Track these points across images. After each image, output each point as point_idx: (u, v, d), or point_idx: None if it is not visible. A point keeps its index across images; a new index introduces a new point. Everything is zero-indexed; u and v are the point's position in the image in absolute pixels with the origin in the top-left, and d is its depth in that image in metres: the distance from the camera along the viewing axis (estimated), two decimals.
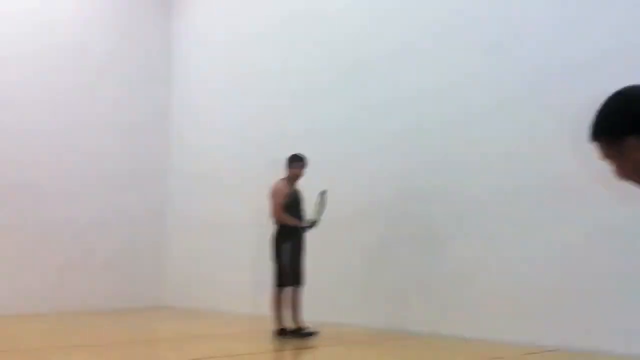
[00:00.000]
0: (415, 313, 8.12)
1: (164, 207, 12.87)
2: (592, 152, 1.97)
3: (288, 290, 7.77)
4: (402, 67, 8.67)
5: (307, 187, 8.08)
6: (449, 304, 7.76)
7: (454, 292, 7.70)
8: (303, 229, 7.82)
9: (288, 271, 7.72)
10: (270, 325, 7.76)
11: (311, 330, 7.69)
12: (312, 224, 7.84)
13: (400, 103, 8.62)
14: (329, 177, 9.22)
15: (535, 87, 7.32)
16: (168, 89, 12.92)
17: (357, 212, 8.98)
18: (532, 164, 7.22)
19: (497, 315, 7.25)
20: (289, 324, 7.69)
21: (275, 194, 7.86)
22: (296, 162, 7.97)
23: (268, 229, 7.99)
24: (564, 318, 6.68)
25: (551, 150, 7.06)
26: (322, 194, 7.87)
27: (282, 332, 7.63)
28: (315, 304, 9.27)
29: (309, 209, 7.93)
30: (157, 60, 12.97)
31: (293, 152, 8.05)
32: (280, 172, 7.97)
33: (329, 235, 9.23)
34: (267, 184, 8.14)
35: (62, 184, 11.67)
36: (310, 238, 8.31)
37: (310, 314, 9.07)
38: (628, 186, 1.92)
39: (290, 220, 7.76)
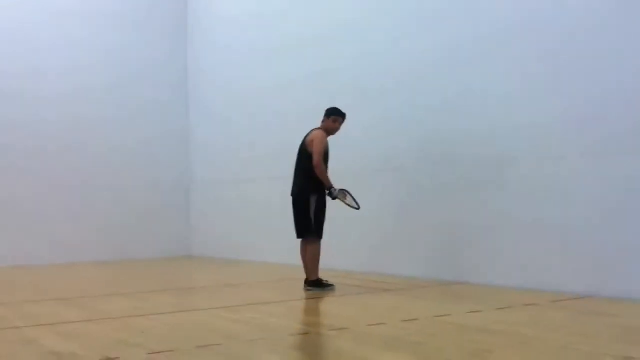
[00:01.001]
0: (448, 262, 8.19)
1: (189, 172, 13.16)
2: None
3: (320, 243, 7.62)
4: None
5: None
6: (481, 253, 7.83)
7: (486, 242, 7.75)
8: (330, 191, 7.55)
9: (322, 223, 7.59)
10: (299, 275, 7.89)
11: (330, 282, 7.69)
12: (333, 194, 7.53)
13: (434, 49, 8.56)
14: (364, 128, 9.26)
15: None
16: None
17: (390, 161, 9.02)
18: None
19: (528, 264, 7.30)
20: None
21: (318, 142, 7.51)
22: (338, 117, 7.74)
23: (283, 182, 7.99)
24: (595, 265, 6.72)
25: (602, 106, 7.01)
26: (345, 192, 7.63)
27: (320, 283, 7.58)
28: (347, 254, 9.45)
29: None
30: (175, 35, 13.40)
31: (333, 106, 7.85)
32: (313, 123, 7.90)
33: (362, 185, 9.32)
34: (284, 140, 8.11)
35: (105, 152, 12.47)
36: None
37: (344, 264, 9.25)
38: None
39: (325, 176, 7.49)
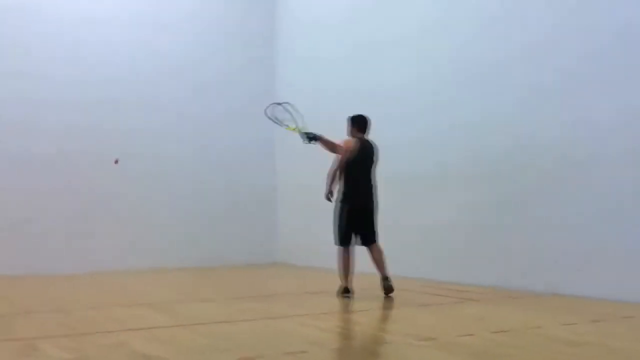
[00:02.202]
0: (537, 272, 7.96)
1: (275, 178, 13.29)
2: None
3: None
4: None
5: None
6: (567, 262, 7.58)
7: (579, 250, 7.50)
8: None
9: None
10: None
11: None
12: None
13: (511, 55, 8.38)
14: (444, 133, 9.16)
15: None
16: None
17: (471, 168, 8.87)
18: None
19: (626, 273, 7.01)
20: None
21: (345, 149, 7.82)
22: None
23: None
24: None
25: None
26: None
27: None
28: (424, 262, 9.33)
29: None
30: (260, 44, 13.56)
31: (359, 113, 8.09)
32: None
33: (436, 194, 9.20)
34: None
35: (191, 158, 12.74)
36: (414, 194, 8.38)
37: (421, 272, 9.14)
38: None
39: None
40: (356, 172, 7.79)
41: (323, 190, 11.59)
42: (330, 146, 7.88)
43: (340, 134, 8.49)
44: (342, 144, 7.84)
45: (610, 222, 7.19)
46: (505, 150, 8.42)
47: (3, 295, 8.65)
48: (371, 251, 7.80)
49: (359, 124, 8.00)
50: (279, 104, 8.30)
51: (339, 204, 7.85)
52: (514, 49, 8.38)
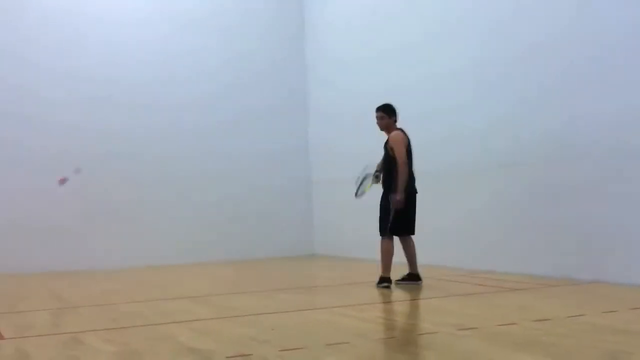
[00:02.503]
0: (576, 260, 7.91)
1: (311, 171, 13.36)
2: None
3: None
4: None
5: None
6: (608, 250, 7.52)
7: (618, 238, 7.44)
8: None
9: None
10: (422, 274, 7.86)
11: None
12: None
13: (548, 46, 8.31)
14: (484, 123, 9.14)
15: None
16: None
17: (512, 157, 8.83)
18: None
19: None
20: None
21: (400, 143, 7.76)
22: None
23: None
24: None
25: None
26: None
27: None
28: (466, 252, 9.32)
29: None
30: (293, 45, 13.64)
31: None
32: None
33: (487, 181, 9.17)
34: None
35: (228, 155, 12.88)
36: (451, 185, 8.37)
37: (462, 262, 9.13)
38: None
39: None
40: (410, 162, 7.84)
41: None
42: (401, 170, 7.70)
43: (368, 132, 8.54)
44: (398, 146, 7.74)
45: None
46: (542, 138, 8.36)
47: (48, 290, 8.83)
48: (409, 241, 7.89)
49: (395, 113, 7.99)
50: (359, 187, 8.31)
51: (388, 199, 7.80)
52: (532, 45, 8.31)
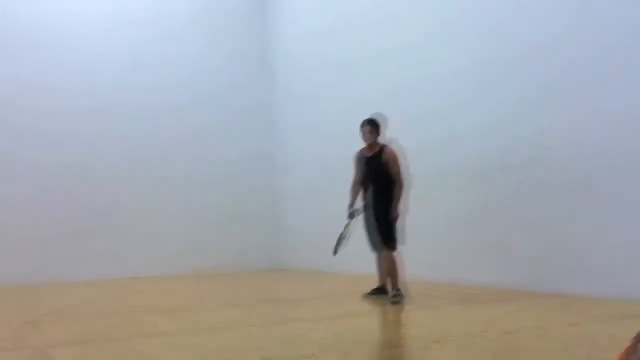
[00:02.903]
0: (539, 272, 7.99)
1: (280, 181, 13.34)
2: None
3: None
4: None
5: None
6: (575, 263, 7.60)
7: (581, 250, 7.53)
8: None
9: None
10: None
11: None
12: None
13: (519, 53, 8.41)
14: (447, 134, 9.21)
15: None
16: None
17: (476, 166, 8.89)
18: None
19: (627, 272, 7.04)
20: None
21: (399, 159, 7.80)
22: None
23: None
24: None
25: None
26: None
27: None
28: (434, 264, 9.35)
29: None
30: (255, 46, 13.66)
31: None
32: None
33: (445, 194, 9.22)
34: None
35: (195, 166, 12.87)
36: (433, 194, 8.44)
37: (430, 275, 9.16)
38: None
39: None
40: None
41: (328, 195, 11.65)
42: (400, 185, 7.75)
43: (346, 142, 8.52)
44: (397, 163, 7.77)
45: (611, 223, 7.22)
46: (507, 150, 8.45)
47: (13, 304, 8.69)
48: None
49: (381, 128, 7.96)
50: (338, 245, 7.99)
51: (389, 213, 7.70)
52: (520, 49, 8.41)
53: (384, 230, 7.71)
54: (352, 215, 7.89)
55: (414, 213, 8.63)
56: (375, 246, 7.82)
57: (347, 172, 8.22)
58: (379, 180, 7.75)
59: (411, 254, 8.67)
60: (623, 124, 7.16)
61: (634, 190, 7.02)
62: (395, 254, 7.74)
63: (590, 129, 7.48)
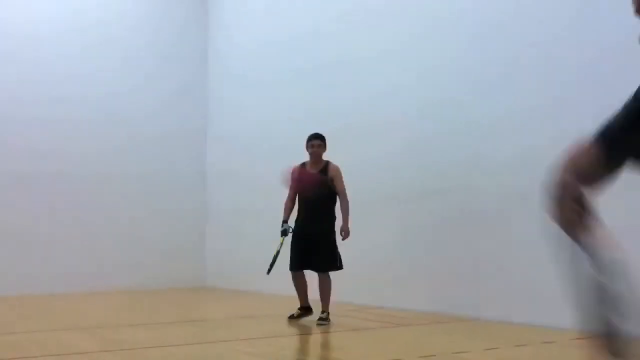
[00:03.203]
0: (458, 296, 8.15)
1: (206, 201, 13.26)
2: None
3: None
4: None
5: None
6: (493, 288, 7.78)
7: (501, 276, 7.71)
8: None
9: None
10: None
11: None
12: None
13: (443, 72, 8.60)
14: (376, 158, 9.32)
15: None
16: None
17: (396, 193, 9.02)
18: None
19: (545, 300, 7.23)
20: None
21: (342, 175, 7.78)
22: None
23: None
24: None
25: None
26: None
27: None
28: (356, 286, 9.41)
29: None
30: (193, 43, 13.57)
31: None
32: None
33: (368, 217, 9.31)
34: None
35: (122, 180, 12.58)
36: (358, 217, 8.45)
37: (352, 297, 9.21)
38: None
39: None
40: None
41: (255, 214, 11.59)
42: (347, 200, 7.74)
43: (268, 159, 8.51)
44: (342, 179, 7.76)
45: (533, 250, 7.42)
46: (429, 175, 8.61)
47: None
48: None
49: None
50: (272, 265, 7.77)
51: (334, 231, 7.72)
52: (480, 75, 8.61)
53: (328, 249, 7.60)
54: (284, 233, 7.78)
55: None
56: (306, 265, 7.64)
57: (274, 191, 8.21)
58: (323, 197, 7.67)
59: (339, 275, 8.72)
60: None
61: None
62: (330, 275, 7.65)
63: (511, 159, 7.70)
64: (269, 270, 7.70)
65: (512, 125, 7.76)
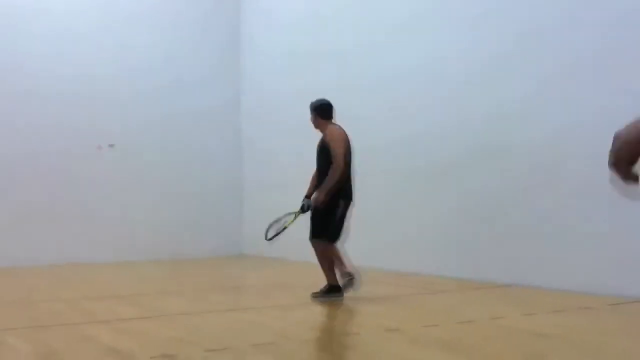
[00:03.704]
0: (501, 265, 8.10)
1: (242, 172, 13.32)
2: None
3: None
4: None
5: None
6: (534, 255, 7.73)
7: (540, 243, 7.66)
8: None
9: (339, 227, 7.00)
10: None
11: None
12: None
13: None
14: (402, 128, 9.28)
15: None
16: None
17: (434, 165, 8.97)
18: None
19: (583, 266, 7.18)
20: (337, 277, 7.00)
21: (340, 140, 6.98)
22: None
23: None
24: None
25: None
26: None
27: (337, 289, 6.98)
28: (394, 254, 9.43)
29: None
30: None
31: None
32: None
33: (411, 186, 9.29)
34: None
35: (160, 153, 12.67)
36: (389, 189, 8.40)
37: (390, 264, 9.23)
38: None
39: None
40: (349, 163, 7.07)
41: (289, 186, 11.62)
42: (336, 166, 6.89)
43: (302, 135, 8.41)
44: (336, 142, 6.95)
45: (569, 218, 7.35)
46: (467, 147, 8.54)
47: None
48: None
49: (327, 112, 7.27)
50: (269, 230, 7.29)
51: (336, 200, 6.94)
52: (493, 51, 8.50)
53: (317, 217, 7.04)
54: (303, 208, 7.18)
55: (380, 206, 8.67)
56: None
57: (306, 164, 8.04)
58: (323, 169, 7.07)
59: (377, 245, 8.73)
60: (580, 126, 7.27)
61: (593, 188, 7.14)
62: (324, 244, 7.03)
63: (548, 132, 7.60)
64: (271, 238, 7.26)
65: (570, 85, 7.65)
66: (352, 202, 7.14)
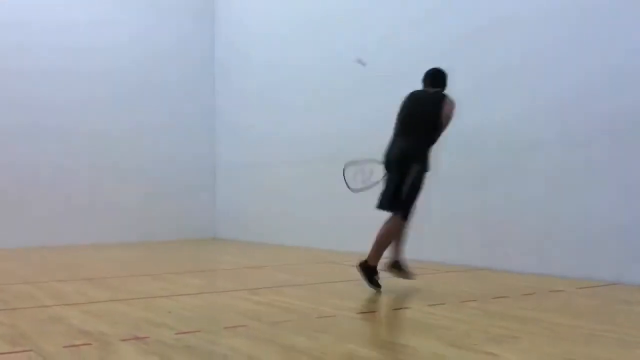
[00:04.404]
0: (473, 248, 8.16)
1: (215, 153, 13.24)
2: None
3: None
4: None
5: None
6: (506, 239, 7.79)
7: (511, 228, 7.72)
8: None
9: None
10: (324, 259, 7.88)
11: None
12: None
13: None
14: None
15: None
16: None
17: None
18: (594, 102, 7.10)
19: (553, 250, 7.26)
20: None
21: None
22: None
23: (312, 166, 7.94)
24: (622, 251, 6.66)
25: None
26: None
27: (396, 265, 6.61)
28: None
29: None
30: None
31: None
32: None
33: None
34: (312, 124, 7.92)
35: (131, 133, 12.61)
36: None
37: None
38: None
39: None
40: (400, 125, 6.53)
41: (264, 166, 11.55)
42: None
43: (278, 112, 8.40)
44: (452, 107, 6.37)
45: (539, 202, 7.41)
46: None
47: None
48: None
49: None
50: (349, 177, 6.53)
51: (424, 173, 6.32)
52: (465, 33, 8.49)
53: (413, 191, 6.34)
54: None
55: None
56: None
57: (286, 146, 8.09)
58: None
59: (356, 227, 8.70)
60: (558, 110, 7.31)
61: (564, 172, 7.19)
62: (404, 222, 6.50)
63: (523, 114, 7.63)
64: (356, 190, 6.57)
65: None
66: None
